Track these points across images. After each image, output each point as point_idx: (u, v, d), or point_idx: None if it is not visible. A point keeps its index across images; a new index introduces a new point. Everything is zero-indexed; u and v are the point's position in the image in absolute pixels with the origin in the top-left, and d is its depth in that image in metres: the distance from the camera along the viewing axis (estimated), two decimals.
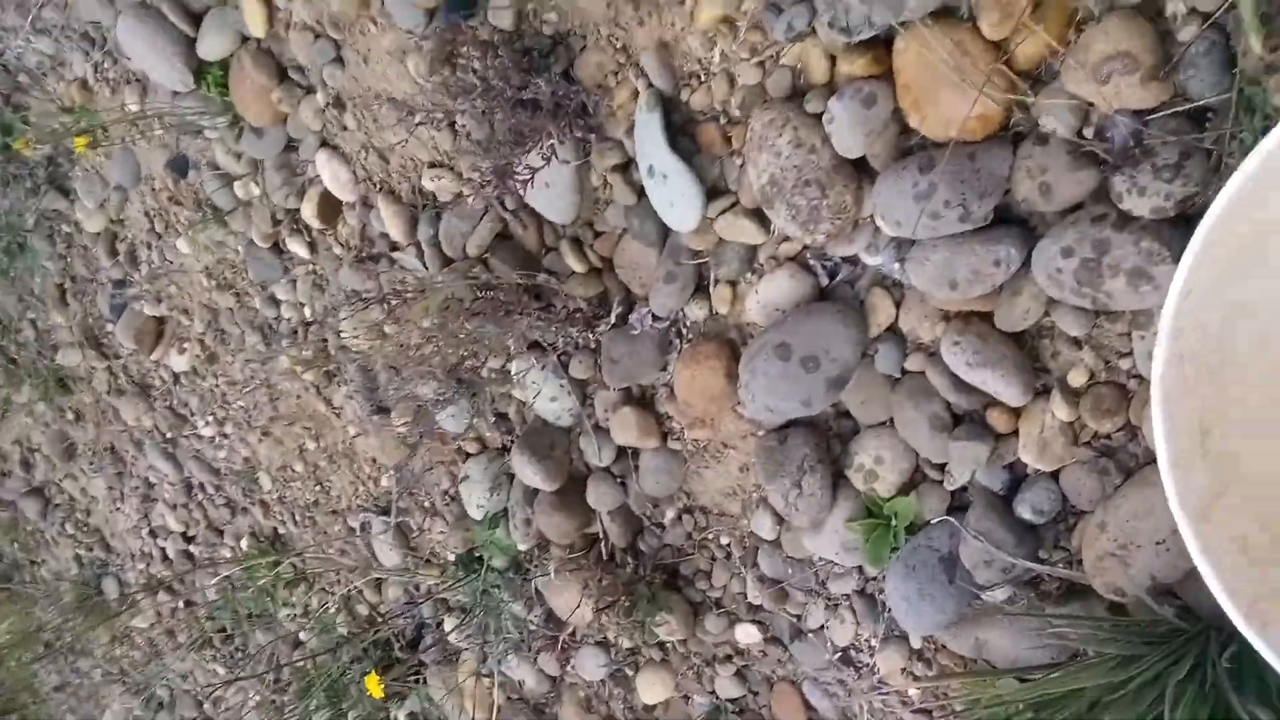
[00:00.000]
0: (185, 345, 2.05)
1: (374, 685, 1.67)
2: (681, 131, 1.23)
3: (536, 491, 1.60)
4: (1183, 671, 0.92)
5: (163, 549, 2.59)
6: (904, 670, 1.33)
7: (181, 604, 2.63)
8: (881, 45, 1.05)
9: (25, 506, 2.82)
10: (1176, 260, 0.85)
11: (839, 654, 1.41)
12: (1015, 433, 1.14)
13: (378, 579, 2.09)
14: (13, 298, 2.31)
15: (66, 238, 2.12)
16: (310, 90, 1.49)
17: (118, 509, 2.61)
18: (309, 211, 1.60)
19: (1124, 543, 1.03)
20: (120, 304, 2.08)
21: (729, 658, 1.55)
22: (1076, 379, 1.08)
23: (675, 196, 1.23)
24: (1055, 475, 1.13)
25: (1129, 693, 0.94)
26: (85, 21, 1.74)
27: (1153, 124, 0.91)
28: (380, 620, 2.10)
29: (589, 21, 1.19)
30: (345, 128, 1.49)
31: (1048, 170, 0.97)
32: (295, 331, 1.82)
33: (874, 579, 1.33)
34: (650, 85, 1.19)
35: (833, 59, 1.08)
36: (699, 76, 1.18)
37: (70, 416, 2.52)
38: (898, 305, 1.20)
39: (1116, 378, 1.06)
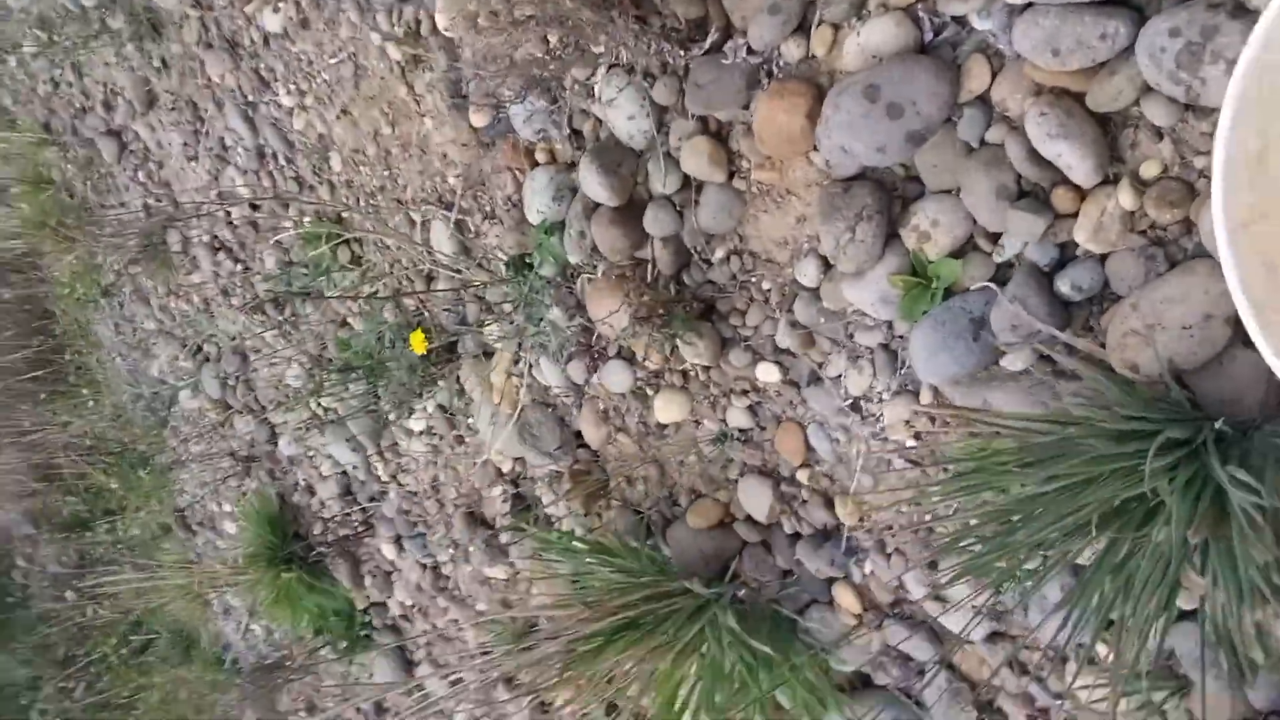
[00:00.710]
0: (280, 4, 2.07)
1: (418, 343, 1.79)
2: None
3: (597, 206, 1.67)
4: (1176, 440, 0.99)
5: (229, 212, 2.70)
6: (907, 423, 1.43)
7: (240, 267, 2.77)
8: None
9: (102, 146, 2.92)
10: None
11: (849, 401, 1.51)
12: (1075, 214, 1.18)
13: (429, 275, 2.19)
14: None
15: None
16: None
17: (191, 165, 2.71)
18: None
19: (1151, 322, 1.09)
20: None
21: (745, 392, 1.66)
22: (1149, 170, 1.11)
23: None
24: (1103, 259, 1.18)
25: (1114, 455, 1.02)
26: None
27: None
28: (426, 313, 2.22)
29: None
30: None
31: None
32: (392, 8, 1.84)
33: (900, 336, 1.41)
34: None
35: None
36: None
37: (156, 63, 2.57)
38: (994, 74, 1.21)
39: (1187, 175, 1.09)
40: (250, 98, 2.37)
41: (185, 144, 2.69)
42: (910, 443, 1.44)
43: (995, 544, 1.17)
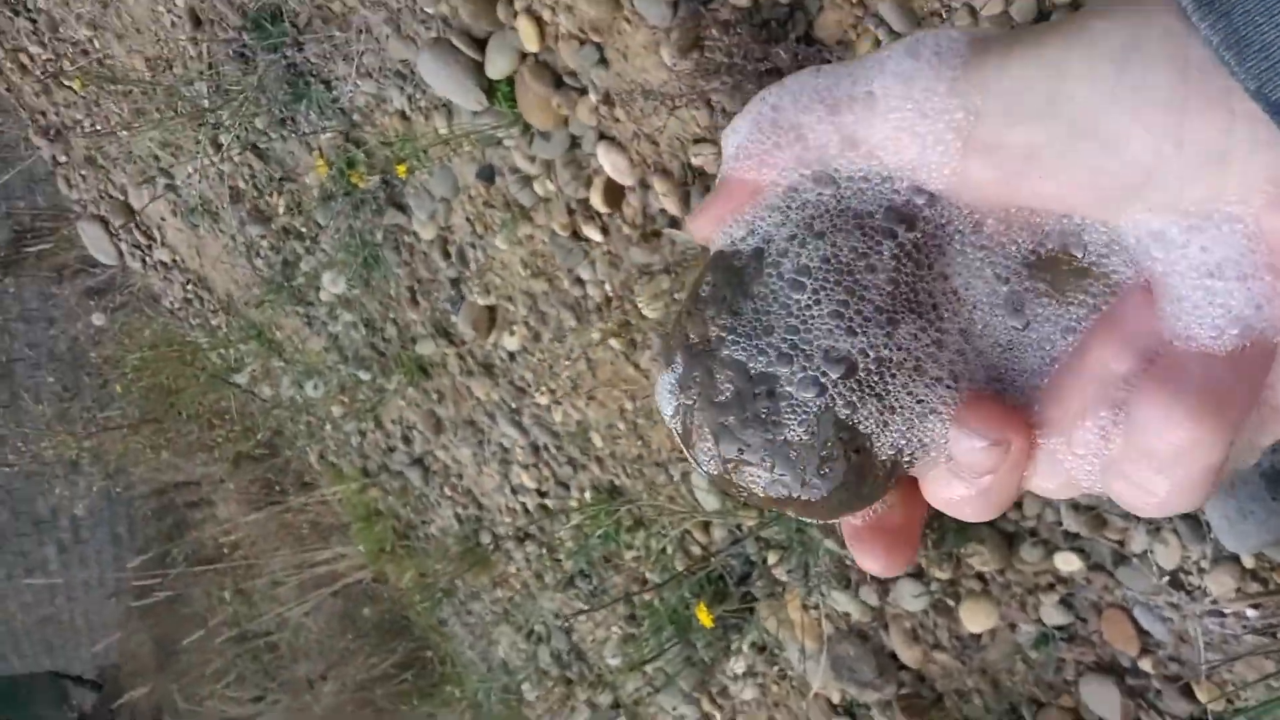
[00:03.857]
0: (514, 328, 2.31)
1: (704, 615, 1.82)
2: None
3: None
4: None
5: (523, 503, 2.94)
6: (1238, 590, 1.26)
7: (544, 550, 2.98)
8: None
9: (411, 475, 3.31)
10: None
11: (1167, 577, 1.35)
12: None
13: (703, 521, 2.25)
14: (375, 302, 2.71)
15: (408, 247, 2.45)
16: (583, 91, 1.63)
17: (482, 472, 3.00)
18: (597, 198, 1.75)
19: None
20: (458, 298, 2.38)
21: (1051, 586, 1.54)
22: None
23: None
24: None
25: None
26: (396, 61, 2.00)
27: None
28: (711, 557, 2.27)
29: None
30: (617, 120, 1.61)
31: None
32: (600, 306, 2.00)
33: None
34: (892, 32, 1.20)
35: None
36: (940, 15, 1.17)
37: (434, 397, 2.92)
38: None
39: None
40: (514, 405, 2.62)
41: (474, 454, 2.99)
42: (1250, 611, 1.26)
43: None
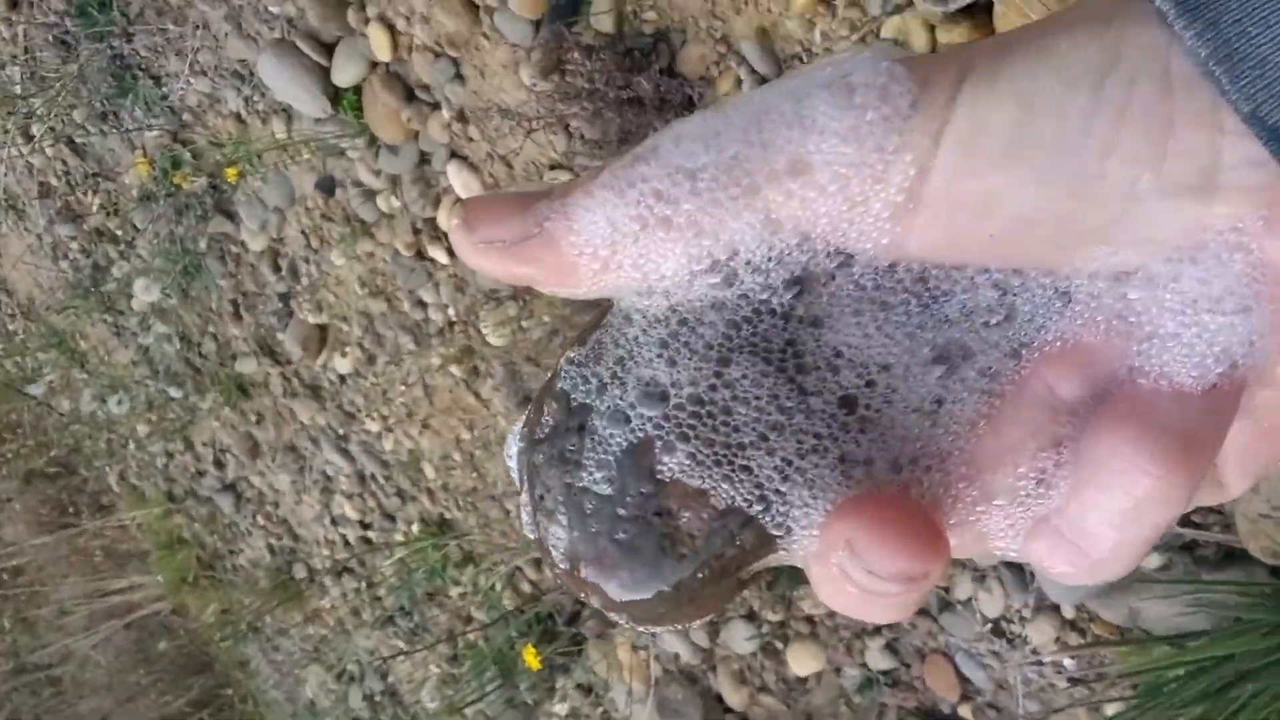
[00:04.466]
0: (346, 349, 2.20)
1: (531, 657, 1.76)
2: None
3: None
4: None
5: (343, 535, 2.79)
6: (1057, 640, 1.31)
7: (364, 585, 2.83)
8: (982, 11, 1.02)
9: (221, 502, 3.09)
10: None
11: (990, 625, 1.39)
12: None
13: (536, 558, 2.19)
14: (193, 315, 2.53)
15: (235, 257, 2.30)
16: (436, 107, 1.57)
17: (301, 501, 2.83)
18: (444, 219, 1.69)
19: (1278, 504, 0.98)
20: (286, 315, 2.25)
21: (877, 630, 1.56)
22: None
23: None
24: None
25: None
26: (234, 60, 1.88)
27: None
28: (540, 595, 2.21)
29: (687, 16, 1.21)
30: (471, 139, 1.56)
31: None
32: (441, 330, 1.93)
33: None
34: (753, 72, 1.20)
35: (932, 29, 1.07)
36: (800, 58, 1.18)
37: (253, 419, 2.75)
38: None
39: None
40: (341, 430, 2.49)
41: (293, 482, 2.82)
42: (1068, 662, 1.31)
43: None
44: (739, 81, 1.23)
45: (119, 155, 2.36)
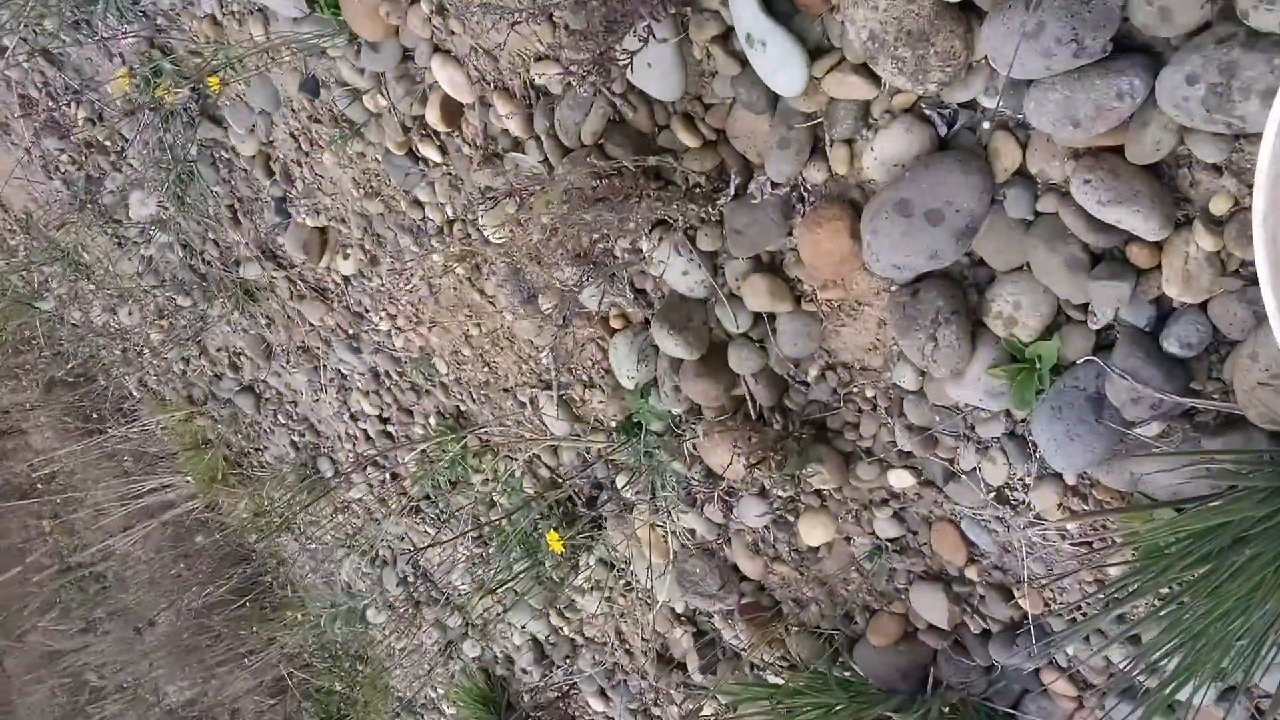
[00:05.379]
0: (348, 251, 2.19)
1: (554, 540, 1.82)
2: None
3: (681, 360, 1.66)
4: None
5: (364, 430, 2.85)
6: (1060, 506, 1.35)
7: (388, 476, 2.90)
8: None
9: (241, 403, 3.14)
10: None
11: (994, 493, 1.43)
12: (1158, 267, 1.09)
13: (552, 445, 2.24)
14: (192, 222, 2.51)
15: (227, 163, 2.27)
16: (414, 0, 1.51)
17: (319, 399, 2.87)
18: (433, 116, 1.65)
19: (1276, 372, 0.99)
20: (284, 219, 2.23)
21: (885, 501, 1.60)
22: (1219, 206, 1.02)
23: (777, 61, 1.21)
24: (1203, 306, 1.09)
25: (1278, 522, 0.93)
26: None
27: None
28: (560, 481, 2.26)
29: None
30: (453, 32, 1.51)
31: None
32: (441, 230, 1.91)
33: (1022, 421, 1.33)
34: None
35: None
36: None
37: (263, 322, 2.76)
38: (1024, 147, 1.15)
39: None
40: (351, 330, 2.51)
41: (309, 381, 2.86)
42: (1070, 525, 1.35)
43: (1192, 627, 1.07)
44: None
45: (98, 64, 2.30)
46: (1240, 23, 0.88)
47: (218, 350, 3.05)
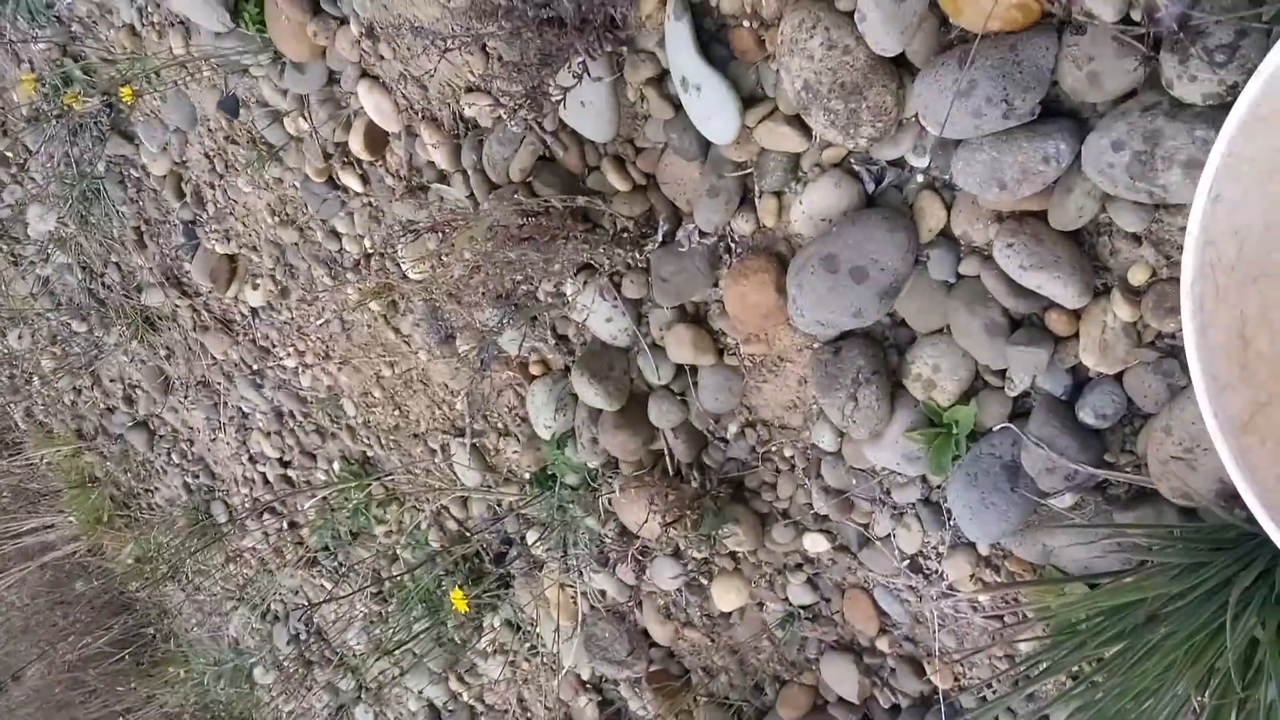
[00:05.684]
0: (258, 281, 2.11)
1: (458, 599, 1.73)
2: (714, 38, 1.18)
3: (600, 411, 1.61)
4: (1250, 578, 0.88)
5: (263, 473, 2.72)
6: (973, 576, 1.32)
7: (286, 524, 2.77)
8: None
9: (133, 439, 2.98)
10: None
11: (907, 561, 1.40)
12: (1076, 335, 1.09)
13: (462, 496, 2.15)
14: (94, 243, 2.40)
15: (136, 182, 2.17)
16: (344, 21, 1.47)
17: (217, 438, 2.74)
18: (357, 144, 1.60)
19: (1189, 446, 0.98)
20: (192, 244, 2.14)
21: (799, 566, 1.56)
22: (1137, 277, 1.02)
23: (711, 108, 1.19)
24: (1119, 377, 1.08)
25: (1192, 601, 0.91)
26: None
27: (1204, 2, 0.83)
28: (469, 535, 2.17)
29: None
30: (382, 57, 1.47)
31: (1094, 58, 0.90)
32: (358, 263, 1.85)
33: (938, 487, 1.31)
34: None
35: None
36: None
37: (163, 353, 2.63)
38: (948, 208, 1.15)
39: (1179, 274, 1.00)
40: (255, 366, 2.40)
41: (208, 419, 2.73)
42: (983, 597, 1.32)
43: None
44: (663, 1, 1.17)
45: (3, 69, 2.20)
46: (1165, 92, 0.88)
47: (112, 381, 2.90)
